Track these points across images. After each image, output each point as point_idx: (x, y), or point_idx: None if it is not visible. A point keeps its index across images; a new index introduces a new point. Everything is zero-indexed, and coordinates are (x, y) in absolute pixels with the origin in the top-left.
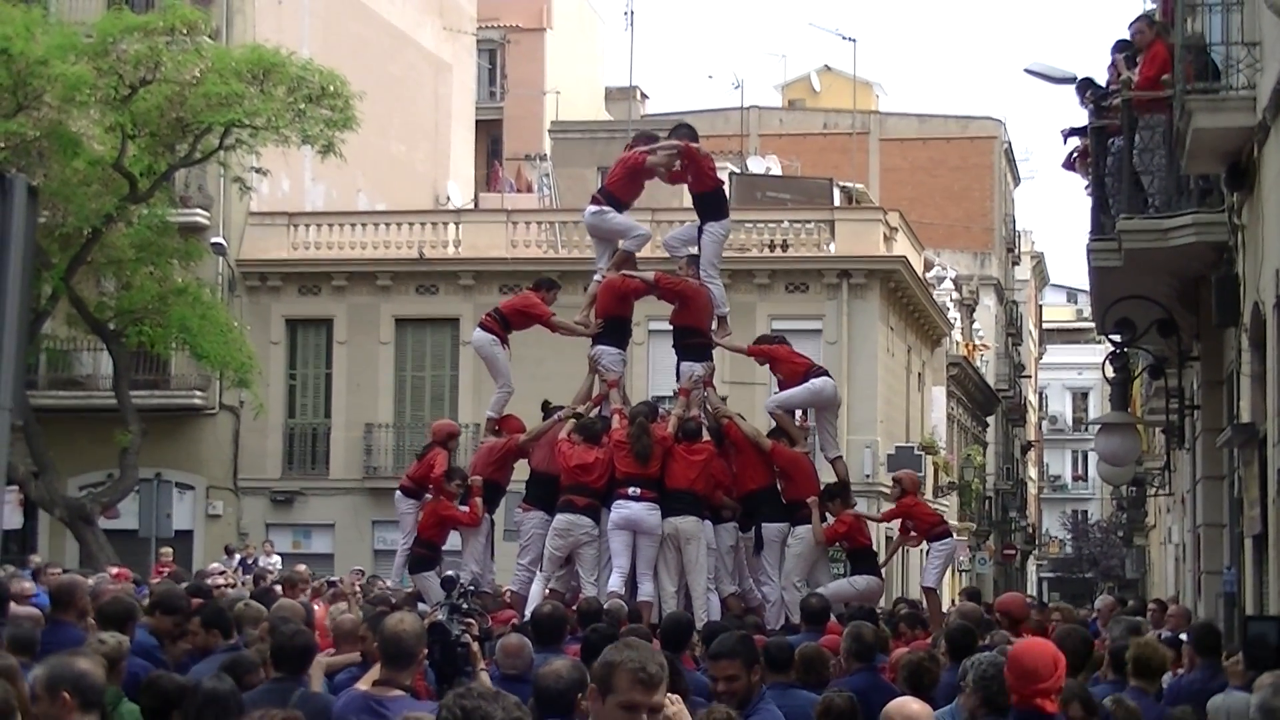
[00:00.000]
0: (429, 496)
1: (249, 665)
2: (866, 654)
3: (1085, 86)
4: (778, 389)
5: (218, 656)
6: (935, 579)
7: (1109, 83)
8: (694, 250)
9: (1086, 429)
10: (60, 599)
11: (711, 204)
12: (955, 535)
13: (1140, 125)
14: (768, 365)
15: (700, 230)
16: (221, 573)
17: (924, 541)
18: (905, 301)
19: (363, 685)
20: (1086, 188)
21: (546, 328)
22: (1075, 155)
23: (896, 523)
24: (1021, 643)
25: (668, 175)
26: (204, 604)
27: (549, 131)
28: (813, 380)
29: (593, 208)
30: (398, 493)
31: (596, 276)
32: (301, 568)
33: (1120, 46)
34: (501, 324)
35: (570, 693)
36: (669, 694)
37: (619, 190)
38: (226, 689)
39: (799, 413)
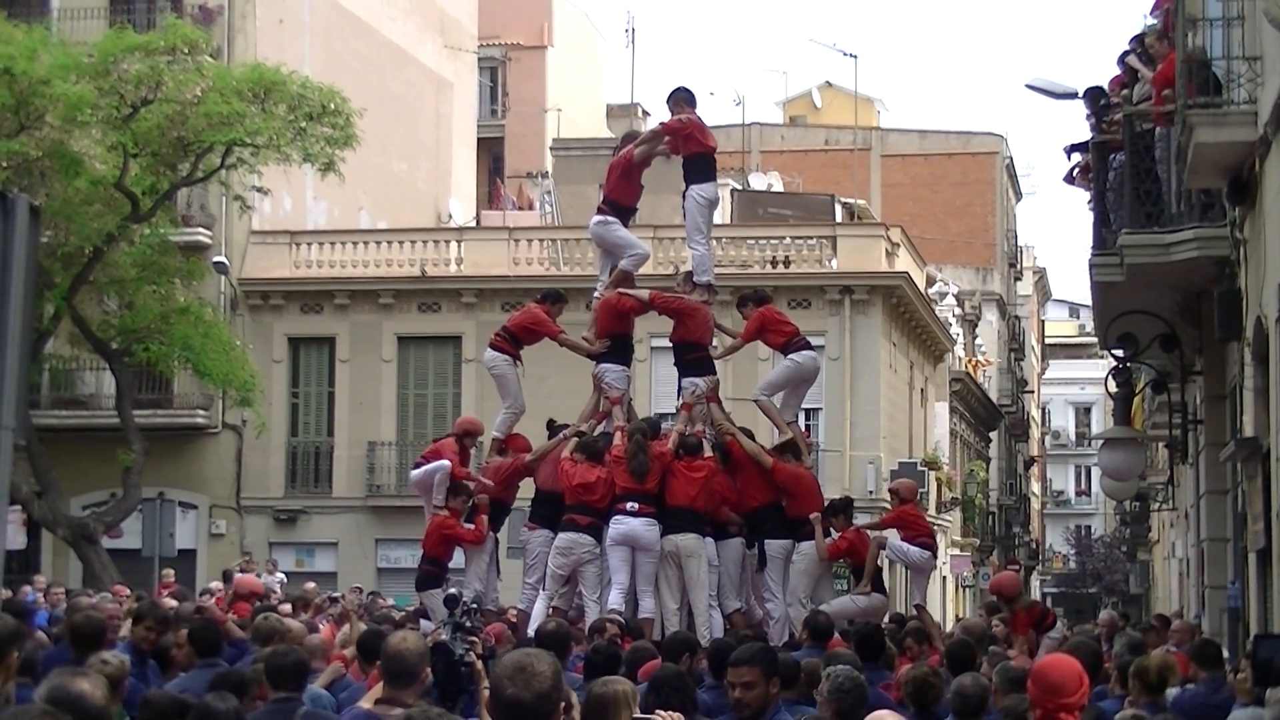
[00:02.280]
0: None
1: (236, 682)
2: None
3: (1096, 96)
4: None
5: (196, 673)
6: (922, 595)
7: (1110, 94)
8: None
9: (1089, 444)
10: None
11: (698, 167)
12: (939, 551)
13: (1157, 137)
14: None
15: (684, 195)
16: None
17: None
18: (907, 317)
19: (365, 703)
20: (1089, 202)
21: (555, 342)
22: (1076, 170)
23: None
24: (1048, 658)
25: (667, 148)
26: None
27: (550, 149)
28: (792, 355)
29: (598, 218)
30: (413, 473)
31: (597, 292)
32: (310, 586)
33: (1121, 59)
34: (511, 341)
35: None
36: (671, 712)
37: (619, 195)
38: (229, 708)
39: (802, 423)
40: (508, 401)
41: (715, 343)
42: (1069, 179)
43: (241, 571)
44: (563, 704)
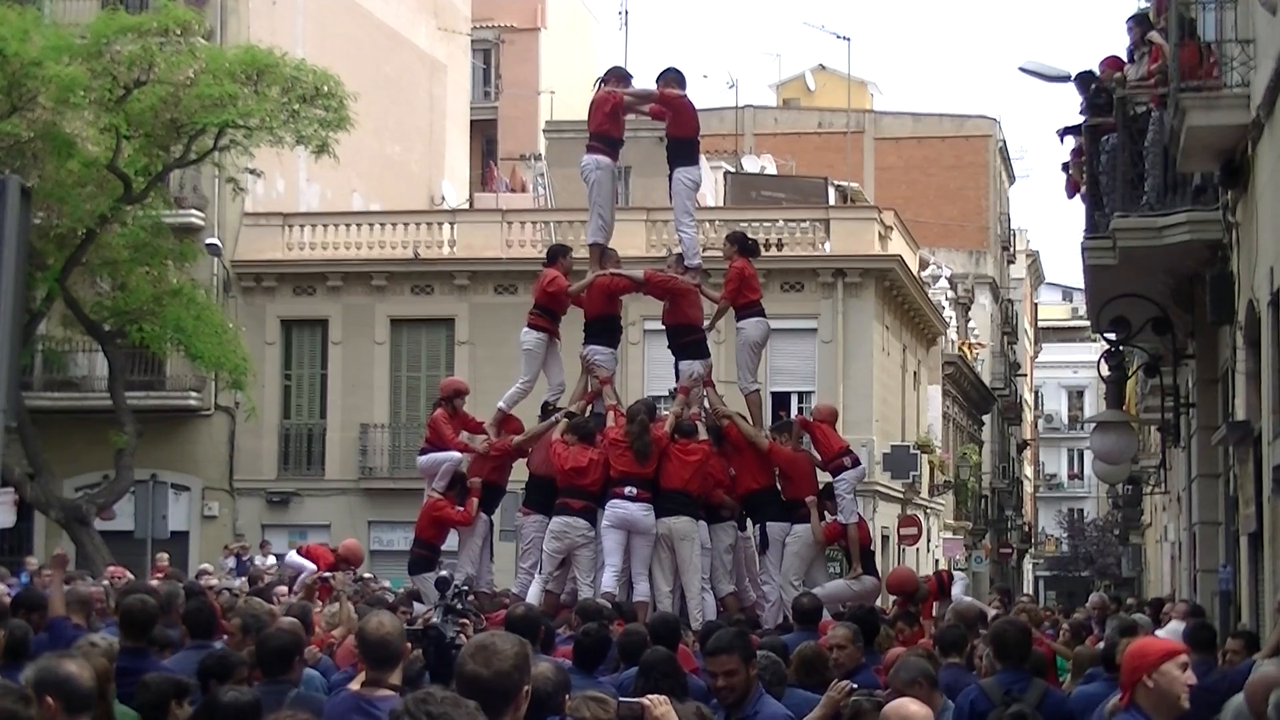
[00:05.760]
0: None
1: (229, 663)
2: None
3: (1088, 80)
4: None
5: (186, 654)
6: (845, 516)
7: (1101, 76)
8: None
9: (1082, 427)
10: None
11: (683, 150)
12: (860, 464)
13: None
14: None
15: (670, 177)
16: (209, 572)
17: (829, 472)
18: (900, 300)
19: (354, 686)
20: (1067, 192)
21: (570, 299)
22: (1070, 167)
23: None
24: (1139, 640)
25: (651, 112)
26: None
27: (543, 131)
28: (740, 323)
29: (593, 158)
30: (420, 459)
31: (588, 238)
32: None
33: (1139, 20)
34: (544, 315)
35: (556, 696)
36: (657, 695)
37: (610, 129)
38: (249, 700)
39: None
40: (525, 377)
41: (704, 323)
42: (1071, 192)
43: (238, 555)
44: (525, 688)
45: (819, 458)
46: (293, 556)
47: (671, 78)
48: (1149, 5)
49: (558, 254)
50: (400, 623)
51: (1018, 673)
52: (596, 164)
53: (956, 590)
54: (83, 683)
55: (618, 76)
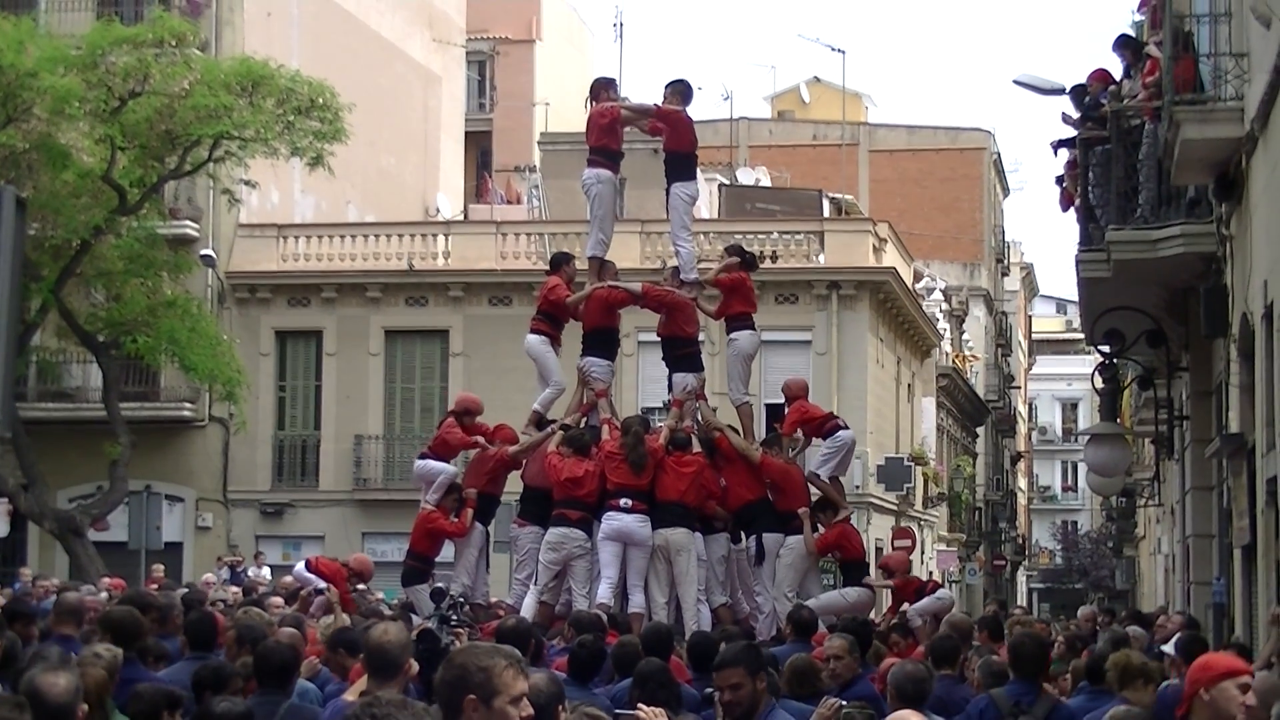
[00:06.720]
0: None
1: (223, 675)
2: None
3: (1081, 94)
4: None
5: (184, 665)
6: (824, 468)
7: (1088, 88)
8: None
9: (1076, 440)
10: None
11: (681, 165)
12: (850, 429)
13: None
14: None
15: (668, 192)
16: (210, 583)
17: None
18: (895, 313)
19: (350, 696)
20: (1061, 205)
21: (569, 311)
22: (1065, 180)
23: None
24: (1206, 655)
25: (648, 126)
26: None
27: (538, 143)
28: (732, 335)
29: (595, 171)
30: (418, 463)
31: (589, 251)
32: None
33: (1126, 42)
34: (546, 321)
35: (550, 707)
36: (654, 708)
37: (610, 142)
38: (241, 711)
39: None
40: (554, 378)
41: (701, 337)
42: (1065, 204)
43: (231, 566)
44: (470, 697)
45: (809, 431)
46: (300, 569)
47: (678, 89)
48: (1143, 18)
49: (561, 262)
50: (406, 633)
51: (1029, 684)
52: (597, 178)
53: (927, 600)
54: (53, 696)
55: (604, 86)
